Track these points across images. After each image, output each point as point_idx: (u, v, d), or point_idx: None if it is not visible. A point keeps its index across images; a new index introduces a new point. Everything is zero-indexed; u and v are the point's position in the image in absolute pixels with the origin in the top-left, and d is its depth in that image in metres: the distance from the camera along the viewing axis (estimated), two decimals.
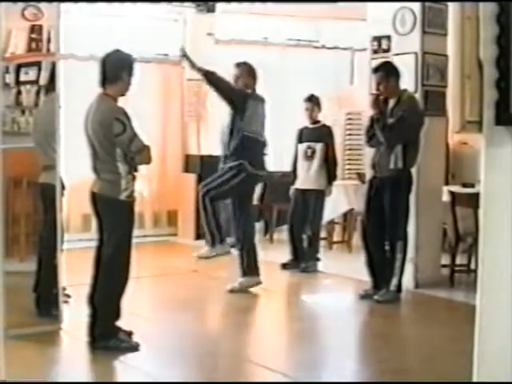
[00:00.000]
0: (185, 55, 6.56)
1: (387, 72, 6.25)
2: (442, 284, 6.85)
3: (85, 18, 8.89)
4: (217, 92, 6.58)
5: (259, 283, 6.65)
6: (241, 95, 6.56)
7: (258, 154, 6.63)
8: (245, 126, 6.51)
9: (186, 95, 9.87)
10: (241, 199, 6.65)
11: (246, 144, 6.50)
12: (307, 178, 7.71)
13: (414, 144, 6.26)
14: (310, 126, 7.80)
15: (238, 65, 6.75)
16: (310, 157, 7.69)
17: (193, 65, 6.59)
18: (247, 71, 6.70)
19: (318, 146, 7.68)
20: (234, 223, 6.68)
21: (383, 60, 6.65)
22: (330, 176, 7.74)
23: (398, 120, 6.13)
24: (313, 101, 7.75)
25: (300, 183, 7.78)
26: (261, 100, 6.72)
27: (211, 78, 6.51)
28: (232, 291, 6.59)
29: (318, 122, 7.81)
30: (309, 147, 7.71)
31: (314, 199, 7.71)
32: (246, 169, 6.50)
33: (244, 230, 6.67)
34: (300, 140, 7.82)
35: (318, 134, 7.74)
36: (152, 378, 4.45)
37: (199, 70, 6.57)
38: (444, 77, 6.98)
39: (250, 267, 6.63)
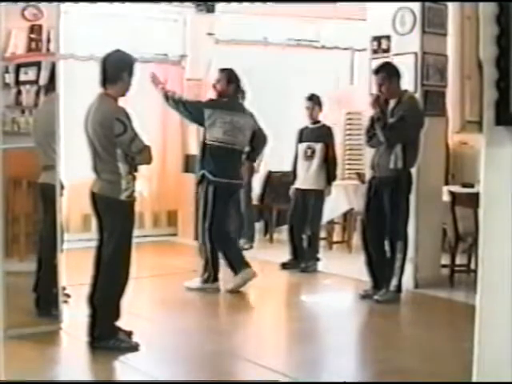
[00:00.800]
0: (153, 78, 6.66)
1: (389, 73, 6.24)
2: (442, 284, 6.85)
3: (85, 18, 8.88)
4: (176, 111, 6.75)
5: (254, 274, 6.61)
6: (195, 107, 6.65)
7: (221, 161, 6.50)
8: (206, 134, 6.57)
9: (186, 95, 9.86)
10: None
11: (206, 152, 6.56)
12: (307, 177, 7.71)
13: (413, 144, 6.26)
14: (311, 125, 7.80)
15: (221, 70, 6.81)
16: (309, 157, 7.69)
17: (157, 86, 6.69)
18: (226, 77, 6.69)
19: (318, 146, 7.68)
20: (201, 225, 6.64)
21: (383, 61, 6.63)
22: (330, 176, 7.74)
23: (399, 120, 6.12)
24: (313, 100, 7.75)
25: (300, 183, 7.78)
26: (232, 108, 6.63)
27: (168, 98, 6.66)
28: (231, 291, 6.59)
29: (318, 121, 7.81)
30: (309, 147, 7.72)
31: (313, 199, 7.71)
32: (207, 178, 6.51)
33: (216, 231, 6.61)
34: (300, 140, 7.82)
35: (317, 134, 7.74)
36: (152, 378, 4.45)
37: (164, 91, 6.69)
38: (444, 77, 6.98)
39: (236, 264, 6.60)
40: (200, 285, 6.58)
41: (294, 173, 7.86)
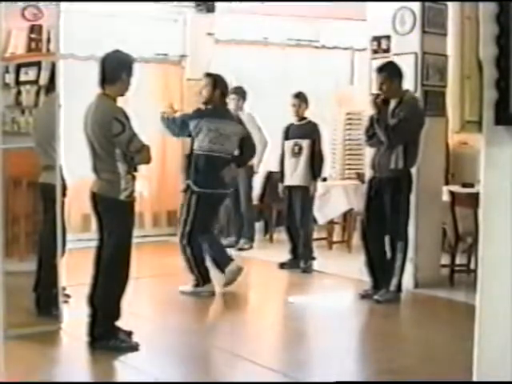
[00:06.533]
0: None
1: (390, 73, 6.23)
2: (442, 284, 6.85)
3: (85, 18, 8.88)
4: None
5: (239, 267, 6.57)
6: (180, 121, 6.60)
7: (205, 171, 6.40)
8: (193, 143, 6.52)
9: (186, 95, 9.86)
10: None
11: (193, 162, 6.48)
12: (295, 174, 7.71)
13: (414, 144, 6.26)
14: (297, 122, 7.81)
15: (207, 75, 6.71)
16: (297, 153, 7.71)
17: None
18: (212, 83, 6.56)
19: (305, 143, 7.69)
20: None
21: (387, 60, 6.62)
22: (315, 172, 7.73)
23: (401, 121, 6.12)
24: (300, 97, 7.78)
25: (287, 180, 7.79)
26: (217, 115, 6.53)
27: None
28: (225, 286, 6.55)
29: (304, 118, 7.83)
30: (296, 144, 7.73)
31: (299, 196, 7.68)
32: (192, 188, 6.42)
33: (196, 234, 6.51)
34: (286, 137, 7.83)
35: (304, 131, 7.74)
36: (152, 378, 4.45)
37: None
38: (444, 77, 6.97)
39: (220, 260, 6.57)
40: (192, 289, 6.49)
41: (281, 171, 7.86)
